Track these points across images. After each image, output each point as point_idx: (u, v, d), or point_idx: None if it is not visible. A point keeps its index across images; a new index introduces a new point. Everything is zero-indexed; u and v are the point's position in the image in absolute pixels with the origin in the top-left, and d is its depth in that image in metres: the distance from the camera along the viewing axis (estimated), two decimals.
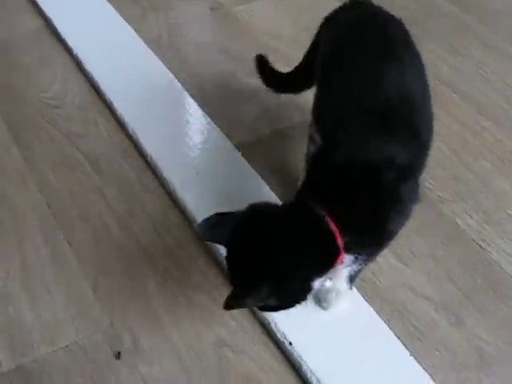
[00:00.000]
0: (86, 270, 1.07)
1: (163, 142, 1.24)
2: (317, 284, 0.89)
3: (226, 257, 0.90)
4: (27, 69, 1.45)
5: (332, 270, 0.90)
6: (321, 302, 1.03)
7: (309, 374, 0.96)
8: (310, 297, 0.91)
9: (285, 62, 1.25)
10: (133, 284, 1.06)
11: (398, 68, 0.97)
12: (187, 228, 1.12)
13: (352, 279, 1.01)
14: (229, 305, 0.83)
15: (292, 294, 0.88)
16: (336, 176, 0.89)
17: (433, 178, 1.24)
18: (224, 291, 0.95)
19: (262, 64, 1.24)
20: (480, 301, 1.07)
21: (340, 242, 0.87)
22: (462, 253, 1.13)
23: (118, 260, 1.09)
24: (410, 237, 1.13)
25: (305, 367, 0.97)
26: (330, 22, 1.10)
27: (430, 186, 1.23)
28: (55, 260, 1.09)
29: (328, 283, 1.01)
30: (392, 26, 1.05)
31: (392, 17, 1.06)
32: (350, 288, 1.03)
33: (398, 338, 1.01)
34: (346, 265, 0.92)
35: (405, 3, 1.65)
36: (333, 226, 0.86)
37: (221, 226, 0.89)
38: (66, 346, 1.00)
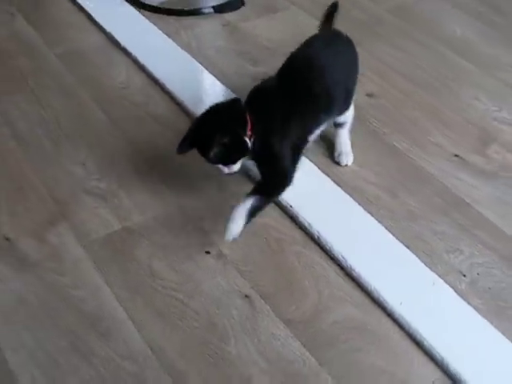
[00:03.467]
0: None
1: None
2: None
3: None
4: (99, 67, 2.17)
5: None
6: None
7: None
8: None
9: (279, 58, 1.72)
10: None
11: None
12: None
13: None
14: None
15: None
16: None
17: (379, 120, 1.95)
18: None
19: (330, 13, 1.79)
20: (408, 184, 1.76)
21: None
22: (398, 162, 1.84)
23: None
24: (366, 154, 1.83)
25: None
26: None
27: (377, 125, 1.94)
28: None
29: None
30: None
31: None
32: None
33: (359, 204, 1.70)
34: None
35: (359, 16, 2.40)
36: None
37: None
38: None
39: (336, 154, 1.78)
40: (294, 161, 1.60)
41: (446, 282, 1.50)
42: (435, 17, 2.35)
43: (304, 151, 1.63)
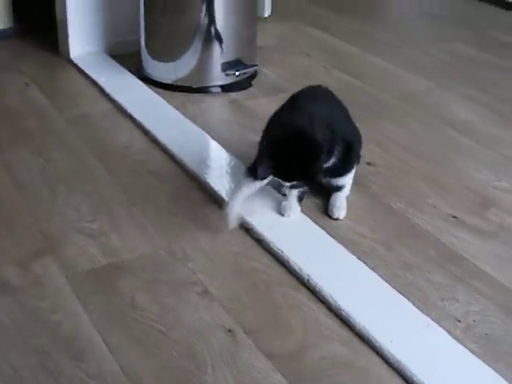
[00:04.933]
0: None
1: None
2: None
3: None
4: (104, 129, 2.20)
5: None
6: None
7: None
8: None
9: None
10: None
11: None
12: None
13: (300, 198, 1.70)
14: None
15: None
16: None
17: (377, 184, 1.93)
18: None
19: None
20: (404, 239, 1.71)
21: None
22: (394, 220, 1.80)
23: None
24: (362, 212, 1.80)
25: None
26: None
27: (375, 189, 1.92)
28: None
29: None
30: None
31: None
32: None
33: (352, 253, 1.65)
34: None
35: (366, 101, 2.44)
36: None
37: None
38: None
39: (329, 208, 1.75)
40: None
41: (440, 326, 1.41)
42: (440, 103, 2.38)
43: None
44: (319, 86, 1.80)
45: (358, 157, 1.83)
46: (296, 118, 1.64)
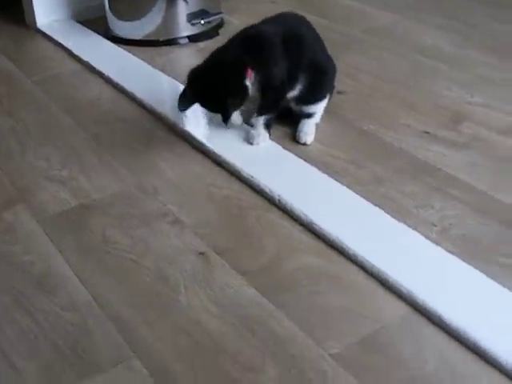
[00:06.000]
0: None
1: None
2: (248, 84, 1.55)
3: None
4: (73, 87, 2.15)
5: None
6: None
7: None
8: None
9: None
10: None
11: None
12: None
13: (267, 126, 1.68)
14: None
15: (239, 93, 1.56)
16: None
17: (348, 110, 1.89)
18: None
19: None
20: (376, 157, 1.66)
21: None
22: (366, 141, 1.75)
23: None
24: (333, 137, 1.76)
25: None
26: None
27: (346, 114, 1.88)
28: None
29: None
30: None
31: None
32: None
33: (324, 173, 1.61)
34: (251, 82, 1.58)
35: (335, 37, 2.39)
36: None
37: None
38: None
39: (297, 133, 1.72)
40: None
41: (415, 230, 1.37)
42: (408, 34, 2.33)
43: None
44: (292, 13, 1.77)
45: (331, 86, 1.78)
46: (233, 44, 1.64)
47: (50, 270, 1.35)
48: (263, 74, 1.62)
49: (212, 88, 1.57)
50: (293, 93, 1.68)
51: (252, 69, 1.60)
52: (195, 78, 1.60)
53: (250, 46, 1.63)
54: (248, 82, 1.60)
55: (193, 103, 1.63)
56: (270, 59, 1.63)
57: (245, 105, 1.66)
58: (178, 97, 1.64)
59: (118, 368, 1.11)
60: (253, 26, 1.69)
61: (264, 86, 1.63)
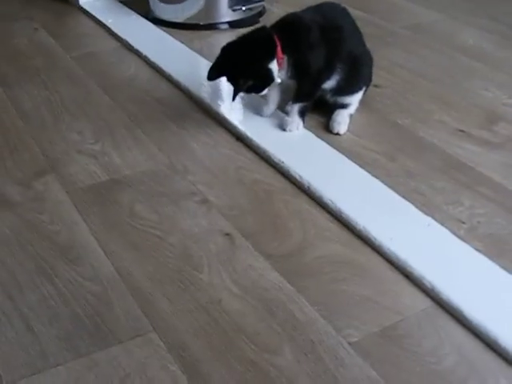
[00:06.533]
0: None
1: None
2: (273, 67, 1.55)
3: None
4: (110, 64, 2.16)
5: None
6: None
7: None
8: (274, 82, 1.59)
9: None
10: None
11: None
12: None
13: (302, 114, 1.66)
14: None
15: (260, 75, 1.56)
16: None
17: (383, 103, 1.86)
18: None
19: None
20: (408, 151, 1.64)
21: (278, 43, 1.55)
22: (399, 134, 1.72)
23: None
24: (366, 128, 1.74)
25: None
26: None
27: (381, 107, 1.86)
28: None
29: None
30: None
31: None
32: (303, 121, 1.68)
33: (354, 163, 1.59)
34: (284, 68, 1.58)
35: (373, 31, 2.37)
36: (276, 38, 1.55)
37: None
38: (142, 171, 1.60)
39: (330, 122, 1.70)
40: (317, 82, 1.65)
41: (443, 226, 1.35)
42: (451, 32, 2.30)
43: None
44: (334, 3, 1.75)
45: (368, 79, 1.76)
46: (270, 27, 1.64)
47: (75, 240, 1.35)
48: (297, 58, 1.60)
49: (234, 63, 1.58)
50: (329, 83, 1.66)
51: (284, 52, 1.57)
52: (224, 51, 1.60)
53: (285, 29, 1.61)
54: (273, 66, 1.58)
55: (220, 75, 1.62)
56: (304, 44, 1.61)
57: (271, 88, 1.64)
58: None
59: (136, 340, 1.11)
60: (293, 13, 1.68)
61: (298, 72, 1.60)
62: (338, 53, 1.64)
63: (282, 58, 1.59)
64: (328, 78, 1.65)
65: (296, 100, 1.65)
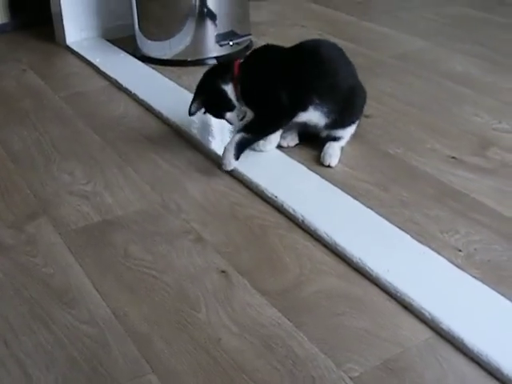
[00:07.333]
0: None
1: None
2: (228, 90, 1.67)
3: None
4: (100, 103, 2.17)
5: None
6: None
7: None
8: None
9: None
10: None
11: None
12: None
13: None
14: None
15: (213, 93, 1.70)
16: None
17: (374, 133, 1.87)
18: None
19: None
20: (401, 180, 1.65)
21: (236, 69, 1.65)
22: (391, 164, 1.74)
23: None
24: (358, 159, 1.76)
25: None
26: None
27: (372, 137, 1.87)
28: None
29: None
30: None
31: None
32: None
33: (347, 194, 1.61)
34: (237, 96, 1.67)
35: (361, 62, 2.40)
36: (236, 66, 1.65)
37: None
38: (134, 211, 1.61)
39: (321, 155, 1.71)
40: (281, 113, 1.67)
41: (439, 255, 1.36)
42: (437, 60, 2.32)
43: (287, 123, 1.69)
44: (324, 40, 1.82)
45: (361, 112, 1.78)
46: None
47: (69, 283, 1.35)
48: (246, 86, 1.68)
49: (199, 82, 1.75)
50: (311, 116, 1.67)
51: (237, 80, 1.68)
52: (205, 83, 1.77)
53: (248, 58, 1.73)
54: (228, 88, 1.69)
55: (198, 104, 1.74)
56: (256, 74, 1.69)
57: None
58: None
59: (135, 383, 1.10)
60: (267, 44, 1.77)
61: (249, 101, 1.68)
62: (313, 86, 1.66)
63: (237, 84, 1.67)
64: (293, 112, 1.68)
65: (241, 129, 1.66)
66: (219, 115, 1.75)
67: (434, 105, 2.00)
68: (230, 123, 1.75)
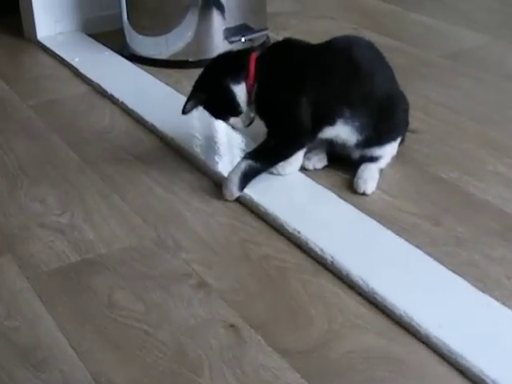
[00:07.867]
0: None
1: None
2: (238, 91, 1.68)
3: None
4: (78, 114, 2.20)
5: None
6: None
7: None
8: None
9: None
10: None
11: None
12: None
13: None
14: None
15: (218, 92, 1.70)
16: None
17: (421, 152, 1.88)
18: None
19: None
20: (456, 212, 1.65)
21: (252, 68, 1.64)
22: (443, 191, 1.74)
23: None
24: (402, 185, 1.77)
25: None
26: None
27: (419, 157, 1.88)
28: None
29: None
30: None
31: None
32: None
33: (388, 229, 1.61)
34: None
35: (404, 62, 2.42)
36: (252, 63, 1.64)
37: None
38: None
39: (354, 180, 1.72)
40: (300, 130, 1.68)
41: (505, 305, 1.35)
42: (498, 59, 2.33)
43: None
44: (359, 38, 1.82)
45: (403, 127, 1.79)
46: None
47: (38, 338, 1.35)
48: (262, 90, 1.68)
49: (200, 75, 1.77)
50: (338, 132, 1.70)
51: (252, 81, 1.69)
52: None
53: (268, 55, 1.73)
54: (238, 89, 1.69)
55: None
56: (275, 76, 1.70)
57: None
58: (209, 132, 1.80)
59: None
60: (289, 38, 1.77)
61: (262, 108, 1.71)
62: (344, 95, 1.67)
63: (253, 86, 1.66)
64: (318, 129, 1.69)
65: (249, 155, 1.69)
66: (220, 118, 1.76)
67: (496, 116, 2.01)
68: (233, 128, 1.78)
